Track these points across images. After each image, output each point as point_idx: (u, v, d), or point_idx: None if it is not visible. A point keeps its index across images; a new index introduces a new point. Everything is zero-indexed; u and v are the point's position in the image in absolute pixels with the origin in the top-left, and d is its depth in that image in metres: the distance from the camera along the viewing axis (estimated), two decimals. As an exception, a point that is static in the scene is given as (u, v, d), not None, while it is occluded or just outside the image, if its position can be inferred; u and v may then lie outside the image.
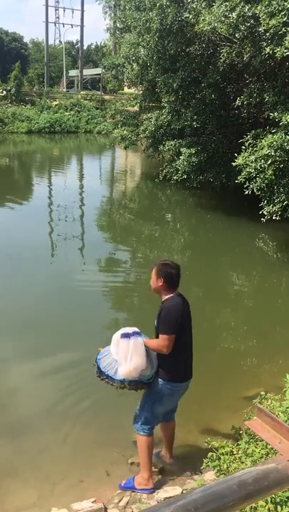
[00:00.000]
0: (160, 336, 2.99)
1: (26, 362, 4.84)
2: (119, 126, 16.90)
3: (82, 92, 39.75)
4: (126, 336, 3.06)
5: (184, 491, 3.04)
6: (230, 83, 12.02)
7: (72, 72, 50.97)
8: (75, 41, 65.74)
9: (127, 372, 2.98)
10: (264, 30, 7.82)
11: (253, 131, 9.30)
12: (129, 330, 3.11)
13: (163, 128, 13.02)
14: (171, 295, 3.06)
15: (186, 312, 3.10)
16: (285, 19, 7.36)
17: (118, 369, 3.01)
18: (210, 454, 3.09)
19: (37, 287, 6.82)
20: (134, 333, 3.06)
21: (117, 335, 3.11)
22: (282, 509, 2.13)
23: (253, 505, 2.13)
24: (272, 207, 8.53)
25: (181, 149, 11.64)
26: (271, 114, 8.47)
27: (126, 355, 2.99)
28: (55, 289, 6.87)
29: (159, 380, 3.10)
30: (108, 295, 7.09)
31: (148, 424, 3.19)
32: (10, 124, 29.08)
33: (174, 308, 3.02)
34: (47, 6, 38.74)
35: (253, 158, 8.42)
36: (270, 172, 8.23)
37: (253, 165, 8.39)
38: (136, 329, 3.13)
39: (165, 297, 3.08)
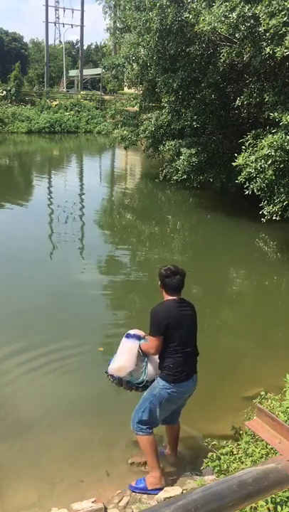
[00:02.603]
0: (149, 337, 3.12)
1: (26, 361, 4.83)
2: (119, 126, 16.91)
3: (82, 92, 39.76)
4: (127, 336, 3.25)
5: (184, 491, 3.03)
6: (230, 83, 12.02)
7: (72, 72, 50.97)
8: (75, 41, 65.79)
9: (114, 370, 3.18)
10: (264, 30, 7.82)
11: (253, 131, 9.30)
12: (133, 332, 3.27)
13: (163, 128, 13.02)
14: (168, 298, 3.14)
15: (179, 315, 3.08)
16: (285, 19, 7.36)
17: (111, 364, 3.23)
18: (210, 454, 3.09)
19: (37, 287, 6.81)
20: (134, 336, 3.21)
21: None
22: (282, 509, 2.13)
23: (253, 505, 2.13)
24: (273, 207, 8.53)
25: (181, 149, 11.64)
26: (271, 114, 8.47)
27: (118, 353, 3.22)
28: (56, 289, 6.86)
29: (159, 382, 3.09)
30: (109, 295, 7.09)
31: (145, 425, 3.17)
32: (10, 124, 29.09)
33: (159, 311, 3.08)
34: (47, 6, 38.77)
35: (253, 158, 8.42)
36: (271, 172, 8.23)
37: (253, 165, 8.39)
38: (139, 332, 3.26)
39: (163, 300, 3.18)
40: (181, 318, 3.09)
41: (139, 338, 3.21)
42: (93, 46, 66.36)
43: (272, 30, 7.58)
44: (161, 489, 3.12)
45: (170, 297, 3.14)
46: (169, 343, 3.05)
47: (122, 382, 3.25)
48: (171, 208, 13.48)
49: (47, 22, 38.94)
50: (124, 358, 3.17)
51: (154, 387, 3.13)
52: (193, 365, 3.19)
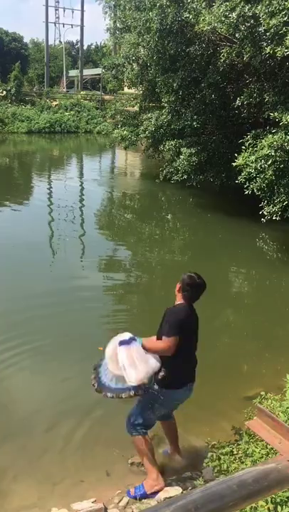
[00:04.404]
0: (163, 337, 2.95)
1: (26, 362, 4.83)
2: (119, 126, 16.90)
3: (82, 92, 39.76)
4: (125, 343, 2.93)
5: (183, 491, 3.03)
6: (230, 83, 12.02)
7: (72, 72, 50.98)
8: (75, 41, 65.73)
9: (140, 379, 2.85)
10: (264, 30, 7.82)
11: (253, 131, 9.30)
12: (124, 337, 2.97)
13: (163, 128, 13.02)
14: (183, 302, 3.09)
15: (192, 322, 3.08)
16: (285, 19, 7.37)
17: (129, 376, 2.84)
18: (210, 454, 3.09)
19: (36, 286, 6.81)
20: (131, 339, 2.95)
21: (112, 345, 2.95)
22: (282, 509, 2.13)
23: (253, 505, 2.13)
24: (273, 207, 8.53)
25: (182, 149, 11.65)
26: (271, 114, 8.47)
27: (132, 362, 2.86)
28: (55, 289, 6.85)
29: (154, 386, 3.02)
30: (108, 295, 7.09)
31: (139, 426, 3.14)
32: (10, 124, 29.11)
33: (179, 311, 3.02)
34: (47, 6, 38.84)
35: (253, 158, 8.42)
36: (270, 172, 8.23)
37: (253, 165, 8.39)
38: (129, 334, 2.99)
39: (176, 303, 3.13)
40: (191, 327, 3.08)
41: (135, 339, 2.96)
42: (93, 46, 66.32)
43: (272, 30, 7.57)
44: (161, 491, 3.09)
45: (185, 302, 3.09)
46: (179, 351, 2.96)
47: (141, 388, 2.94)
48: (171, 208, 13.48)
49: (47, 22, 39.00)
50: (143, 365, 2.87)
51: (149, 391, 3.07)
52: (191, 373, 3.15)
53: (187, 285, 3.05)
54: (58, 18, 55.04)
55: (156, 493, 3.08)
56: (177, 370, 2.99)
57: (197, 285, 3.05)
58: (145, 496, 3.10)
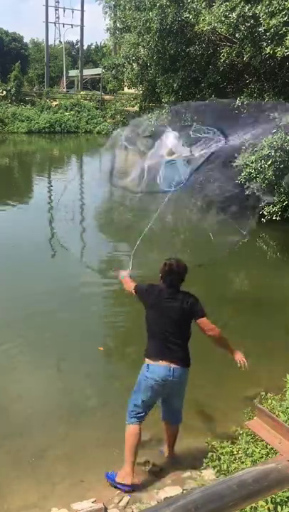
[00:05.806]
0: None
1: (26, 362, 4.83)
2: (119, 126, 16.90)
3: (82, 92, 39.78)
4: None
5: (184, 491, 3.03)
6: (230, 83, 12.03)
7: (72, 72, 50.98)
8: (75, 41, 65.68)
9: None
10: (264, 30, 7.83)
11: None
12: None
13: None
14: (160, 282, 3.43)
15: (160, 298, 3.29)
16: (285, 19, 7.38)
17: None
18: (210, 454, 3.09)
19: (36, 286, 6.81)
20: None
21: None
22: (282, 509, 2.13)
23: (253, 505, 2.13)
24: (273, 207, 8.54)
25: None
26: (271, 114, 8.46)
27: None
28: (55, 289, 6.85)
29: (143, 365, 3.22)
30: (108, 294, 7.08)
31: (132, 412, 3.23)
32: (10, 124, 29.14)
33: (147, 286, 3.48)
34: (47, 6, 38.90)
35: (253, 158, 8.43)
36: (270, 172, 8.24)
37: (253, 165, 8.40)
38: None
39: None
40: (160, 303, 3.27)
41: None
42: (93, 46, 66.23)
43: (272, 30, 7.59)
44: (129, 487, 3.10)
45: (162, 283, 3.38)
46: (146, 323, 3.32)
47: None
48: (171, 208, 13.45)
49: (47, 22, 39.05)
50: None
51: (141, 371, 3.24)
52: (167, 352, 3.15)
53: (160, 271, 3.41)
54: (58, 18, 55.12)
55: (123, 485, 3.11)
56: (149, 342, 3.26)
57: (164, 272, 3.35)
58: (113, 483, 3.16)
